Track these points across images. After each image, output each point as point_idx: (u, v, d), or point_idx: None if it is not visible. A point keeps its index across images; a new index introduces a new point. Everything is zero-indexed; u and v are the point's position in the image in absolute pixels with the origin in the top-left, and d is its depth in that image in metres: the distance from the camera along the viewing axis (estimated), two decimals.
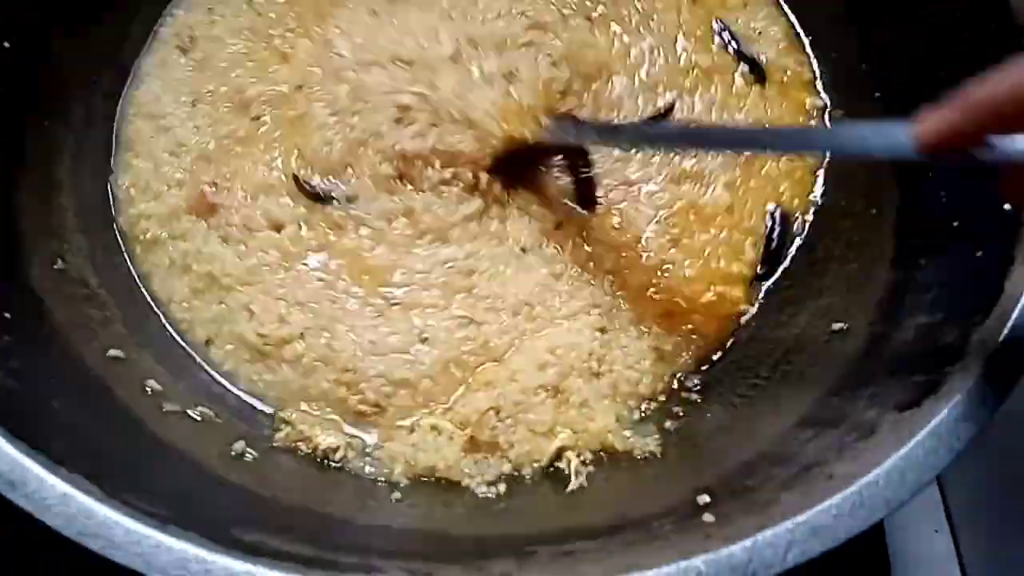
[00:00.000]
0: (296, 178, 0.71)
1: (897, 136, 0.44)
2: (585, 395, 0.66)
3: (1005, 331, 0.50)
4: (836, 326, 0.65)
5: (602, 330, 0.68)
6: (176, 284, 0.70)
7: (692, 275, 0.72)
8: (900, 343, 0.58)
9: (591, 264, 0.71)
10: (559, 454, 0.65)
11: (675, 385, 0.69)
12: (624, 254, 0.72)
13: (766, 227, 0.73)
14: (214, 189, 0.72)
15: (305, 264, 0.70)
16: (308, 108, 0.73)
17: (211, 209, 0.71)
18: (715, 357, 0.70)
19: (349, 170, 0.71)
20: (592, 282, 0.70)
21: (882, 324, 0.61)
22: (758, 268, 0.73)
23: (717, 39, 0.78)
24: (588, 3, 0.78)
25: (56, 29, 0.70)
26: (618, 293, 0.70)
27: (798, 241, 0.74)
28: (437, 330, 0.68)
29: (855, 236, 0.70)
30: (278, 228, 0.71)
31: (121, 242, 0.72)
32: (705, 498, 0.53)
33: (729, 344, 0.71)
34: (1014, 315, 0.50)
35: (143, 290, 0.71)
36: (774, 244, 0.73)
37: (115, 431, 0.57)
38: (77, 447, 0.50)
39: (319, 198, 0.71)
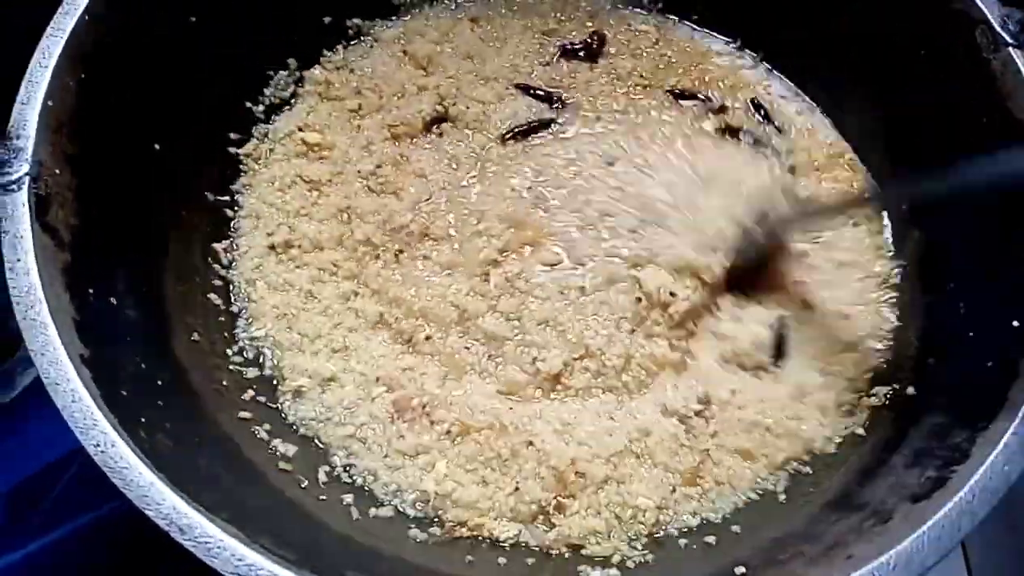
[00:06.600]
0: None
1: None
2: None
3: (1006, 437, 0.58)
4: None
5: None
6: (333, 430, 0.75)
7: None
8: (918, 439, 0.66)
9: None
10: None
11: None
12: None
13: None
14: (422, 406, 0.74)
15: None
16: None
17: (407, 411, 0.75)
18: None
19: None
20: None
21: (903, 419, 0.70)
22: None
23: None
24: None
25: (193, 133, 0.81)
26: None
27: None
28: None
29: None
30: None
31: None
32: (742, 569, 0.61)
33: None
34: (1014, 423, 0.59)
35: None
36: None
37: (245, 483, 0.67)
38: (220, 498, 0.59)
39: None
